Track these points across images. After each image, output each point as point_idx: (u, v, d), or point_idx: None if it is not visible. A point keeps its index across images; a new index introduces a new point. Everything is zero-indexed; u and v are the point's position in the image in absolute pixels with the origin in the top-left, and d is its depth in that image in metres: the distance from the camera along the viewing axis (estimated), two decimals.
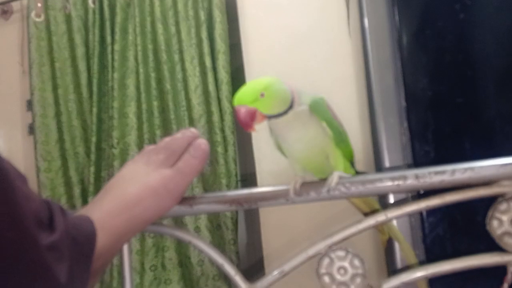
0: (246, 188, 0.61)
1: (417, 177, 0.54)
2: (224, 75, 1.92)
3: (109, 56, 2.02)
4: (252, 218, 2.24)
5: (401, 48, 0.75)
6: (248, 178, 2.03)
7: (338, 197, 0.56)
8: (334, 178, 0.56)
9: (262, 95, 0.58)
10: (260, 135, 1.90)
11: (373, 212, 0.64)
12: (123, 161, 1.90)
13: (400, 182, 0.54)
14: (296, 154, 0.64)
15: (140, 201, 0.57)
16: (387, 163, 0.72)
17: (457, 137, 0.70)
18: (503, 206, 0.53)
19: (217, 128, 1.90)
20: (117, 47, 2.00)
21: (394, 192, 0.63)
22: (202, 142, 0.60)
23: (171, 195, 0.59)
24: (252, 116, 0.58)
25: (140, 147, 1.91)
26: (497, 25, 0.72)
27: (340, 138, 0.62)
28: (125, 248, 0.65)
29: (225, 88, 1.92)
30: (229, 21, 1.99)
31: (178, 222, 1.83)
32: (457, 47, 0.72)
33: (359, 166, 0.72)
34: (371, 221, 0.55)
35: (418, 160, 0.72)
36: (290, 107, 0.59)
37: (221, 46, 1.93)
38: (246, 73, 1.96)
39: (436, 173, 0.53)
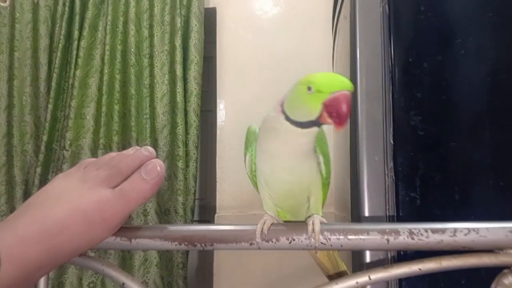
0: (201, 224, 0.49)
1: (411, 233, 0.43)
2: (194, 87, 1.80)
3: (74, 52, 1.86)
4: None
5: (393, 81, 0.66)
6: (207, 197, 1.90)
7: (315, 248, 0.45)
8: (315, 224, 0.45)
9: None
10: (226, 154, 1.78)
11: (338, 274, 0.53)
12: (74, 165, 1.72)
13: (391, 238, 0.44)
14: (276, 187, 0.50)
15: (65, 228, 0.44)
16: (366, 206, 0.62)
17: (447, 185, 0.61)
18: (508, 279, 0.43)
19: (180, 141, 1.76)
20: (83, 43, 1.85)
21: (381, 249, 0.52)
22: (159, 164, 0.48)
23: (107, 223, 0.46)
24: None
25: (94, 152, 1.75)
26: (502, 67, 0.64)
27: (329, 179, 0.51)
28: (42, 281, 0.51)
29: (193, 100, 1.79)
30: (206, 32, 1.88)
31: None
32: (455, 87, 0.64)
33: (330, 208, 0.61)
34: (350, 282, 0.44)
35: (402, 206, 0.62)
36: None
37: (194, 56, 1.81)
38: (218, 88, 1.85)
39: (434, 231, 0.43)
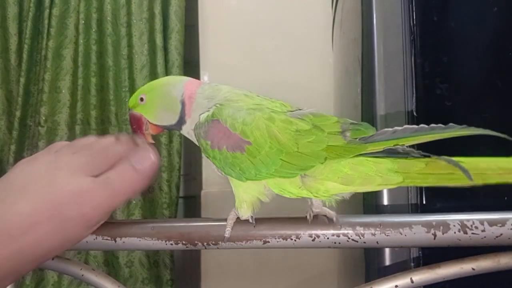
0: (202, 219, 0.39)
1: (463, 226, 0.34)
2: (176, 57, 1.67)
3: (46, 21, 1.69)
4: None
5: (415, 43, 0.56)
6: (193, 173, 1.80)
7: (344, 246, 0.36)
8: (327, 212, 0.36)
9: (141, 99, 0.44)
10: None
11: None
12: (50, 142, 1.59)
13: (439, 232, 0.35)
14: None
15: (32, 227, 0.35)
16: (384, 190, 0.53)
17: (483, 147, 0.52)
18: None
19: None
20: (55, 11, 1.68)
21: (425, 246, 0.43)
22: (153, 152, 0.39)
23: (86, 219, 0.37)
24: (139, 123, 0.44)
25: (71, 128, 1.61)
26: None
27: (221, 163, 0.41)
28: None
29: (175, 72, 1.67)
30: None
31: None
32: (487, 50, 0.54)
33: None
34: (389, 284, 0.35)
35: (426, 191, 0.53)
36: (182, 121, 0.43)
37: (175, 24, 1.67)
38: (201, 58, 1.71)
39: (492, 223, 0.34)
